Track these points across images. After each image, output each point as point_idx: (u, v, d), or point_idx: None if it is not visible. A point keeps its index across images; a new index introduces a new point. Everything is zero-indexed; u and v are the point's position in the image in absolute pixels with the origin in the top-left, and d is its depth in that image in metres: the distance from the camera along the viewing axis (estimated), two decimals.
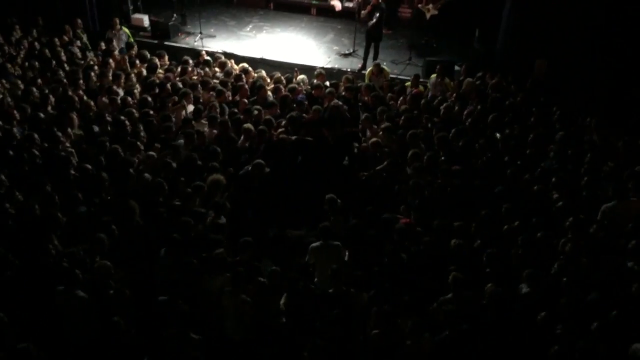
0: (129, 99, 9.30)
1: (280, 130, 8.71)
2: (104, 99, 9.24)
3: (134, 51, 11.43)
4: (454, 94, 9.90)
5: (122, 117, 8.43)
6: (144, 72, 10.57)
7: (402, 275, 6.12)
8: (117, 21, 12.31)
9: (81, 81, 9.69)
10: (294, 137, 8.39)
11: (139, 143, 7.86)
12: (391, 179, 7.78)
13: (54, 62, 10.46)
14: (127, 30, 12.55)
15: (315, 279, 6.49)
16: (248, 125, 8.41)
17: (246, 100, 9.54)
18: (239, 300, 5.76)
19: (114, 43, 11.67)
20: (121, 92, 9.51)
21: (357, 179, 8.18)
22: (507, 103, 9.38)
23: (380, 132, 8.60)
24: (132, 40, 12.31)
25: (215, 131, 8.53)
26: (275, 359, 5.67)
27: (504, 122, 8.74)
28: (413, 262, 6.26)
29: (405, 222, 6.83)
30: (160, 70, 10.61)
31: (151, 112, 8.79)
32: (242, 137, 8.33)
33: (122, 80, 9.90)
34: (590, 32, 10.83)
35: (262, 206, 7.62)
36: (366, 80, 10.96)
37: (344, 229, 6.95)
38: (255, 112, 8.96)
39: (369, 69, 11.33)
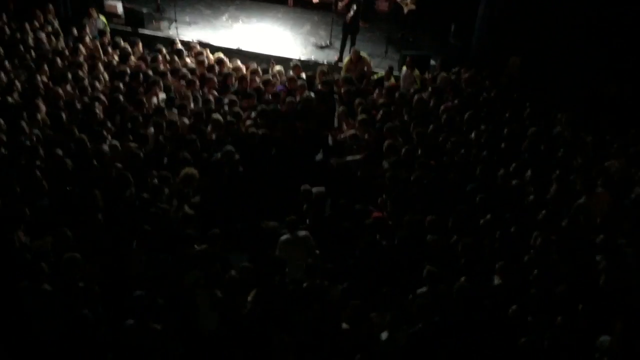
0: (97, 85, 9.14)
1: (248, 122, 8.64)
2: (67, 86, 9.04)
3: (107, 38, 11.22)
4: (429, 88, 9.93)
5: (95, 104, 8.30)
6: (116, 59, 10.41)
7: (376, 269, 6.16)
8: (94, 10, 12.00)
9: (45, 67, 9.46)
10: (261, 132, 8.34)
11: (105, 132, 7.72)
12: (368, 171, 7.80)
13: (21, 47, 10.21)
14: (103, 18, 12.29)
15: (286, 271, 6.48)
16: (217, 116, 8.35)
17: (215, 92, 9.43)
18: (213, 296, 5.71)
19: (88, 30, 11.42)
20: (86, 81, 9.26)
21: (331, 172, 8.19)
22: (481, 98, 9.46)
23: (357, 125, 8.61)
24: (107, 28, 12.07)
25: (186, 120, 8.44)
26: (246, 353, 5.65)
27: (479, 117, 8.81)
28: (386, 256, 6.30)
29: (377, 216, 6.85)
30: (133, 58, 10.44)
31: (122, 98, 8.66)
32: (209, 128, 8.26)
33: (86, 69, 9.68)
34: (564, 29, 10.99)
35: (233, 197, 7.56)
36: (343, 70, 10.94)
37: (318, 221, 6.95)
38: (227, 101, 8.89)
39: (347, 58, 11.30)
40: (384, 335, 5.43)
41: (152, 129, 8.01)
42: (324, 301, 5.70)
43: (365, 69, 10.86)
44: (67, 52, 10.27)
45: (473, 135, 8.35)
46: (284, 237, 6.60)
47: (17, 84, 8.79)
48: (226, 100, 8.99)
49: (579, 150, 8.08)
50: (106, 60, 10.36)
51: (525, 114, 9.05)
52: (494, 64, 11.01)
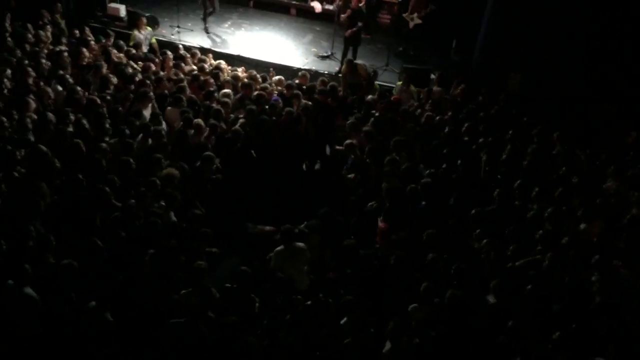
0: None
1: (236, 126, 8.59)
2: (58, 86, 8.99)
3: (110, 41, 11.19)
4: (429, 102, 9.93)
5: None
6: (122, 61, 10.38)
7: (375, 280, 6.14)
8: (144, 20, 11.86)
9: (43, 64, 9.39)
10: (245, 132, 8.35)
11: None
12: (360, 179, 7.84)
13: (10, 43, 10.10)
14: (151, 29, 12.19)
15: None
16: (198, 121, 8.37)
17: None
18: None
19: (140, 42, 11.38)
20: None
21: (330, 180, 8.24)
22: (481, 114, 9.48)
23: (362, 135, 8.62)
24: (154, 40, 12.00)
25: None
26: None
27: (478, 132, 8.83)
28: (382, 271, 6.27)
29: (382, 228, 6.84)
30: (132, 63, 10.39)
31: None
32: (192, 133, 8.25)
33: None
34: (564, 47, 11.06)
35: (219, 202, 7.55)
36: (342, 81, 10.96)
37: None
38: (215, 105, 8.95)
39: (342, 68, 11.28)
40: (387, 346, 5.41)
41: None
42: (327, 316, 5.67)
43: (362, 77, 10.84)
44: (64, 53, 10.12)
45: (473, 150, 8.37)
46: (280, 248, 6.56)
47: (6, 81, 8.72)
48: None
49: (575, 168, 8.10)
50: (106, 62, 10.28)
51: (534, 131, 9.03)
52: (493, 80, 11.05)
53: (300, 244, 6.60)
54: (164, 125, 8.45)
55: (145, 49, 11.44)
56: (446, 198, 7.34)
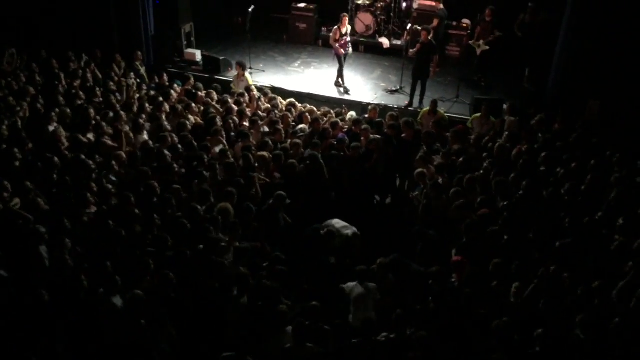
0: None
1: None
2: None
3: (190, 84, 11.70)
4: (505, 133, 9.70)
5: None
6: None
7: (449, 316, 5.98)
8: (241, 68, 12.32)
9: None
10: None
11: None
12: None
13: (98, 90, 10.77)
14: (248, 76, 12.61)
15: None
16: (263, 153, 8.55)
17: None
18: (307, 352, 5.66)
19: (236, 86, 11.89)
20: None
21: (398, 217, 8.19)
22: (558, 144, 9.17)
23: (434, 170, 8.56)
24: (251, 84, 12.33)
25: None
26: None
27: (557, 162, 8.54)
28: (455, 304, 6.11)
29: (458, 260, 6.71)
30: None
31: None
32: (256, 165, 8.41)
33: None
34: None
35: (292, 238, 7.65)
36: (419, 118, 10.92)
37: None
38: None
39: (424, 109, 11.27)
40: None
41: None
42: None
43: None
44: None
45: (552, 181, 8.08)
46: (351, 284, 6.69)
47: (104, 125, 9.24)
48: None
49: None
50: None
51: (614, 160, 8.64)
52: (569, 109, 10.70)
53: (372, 285, 6.70)
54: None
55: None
56: (525, 231, 7.09)
